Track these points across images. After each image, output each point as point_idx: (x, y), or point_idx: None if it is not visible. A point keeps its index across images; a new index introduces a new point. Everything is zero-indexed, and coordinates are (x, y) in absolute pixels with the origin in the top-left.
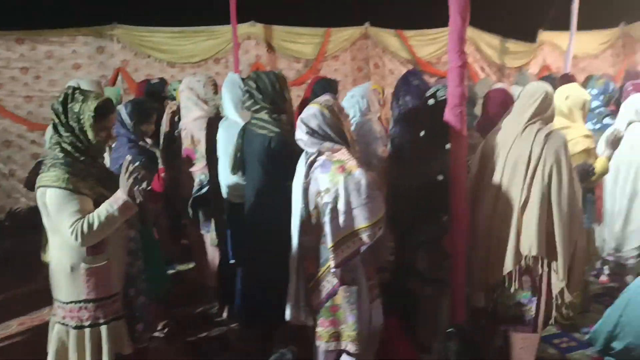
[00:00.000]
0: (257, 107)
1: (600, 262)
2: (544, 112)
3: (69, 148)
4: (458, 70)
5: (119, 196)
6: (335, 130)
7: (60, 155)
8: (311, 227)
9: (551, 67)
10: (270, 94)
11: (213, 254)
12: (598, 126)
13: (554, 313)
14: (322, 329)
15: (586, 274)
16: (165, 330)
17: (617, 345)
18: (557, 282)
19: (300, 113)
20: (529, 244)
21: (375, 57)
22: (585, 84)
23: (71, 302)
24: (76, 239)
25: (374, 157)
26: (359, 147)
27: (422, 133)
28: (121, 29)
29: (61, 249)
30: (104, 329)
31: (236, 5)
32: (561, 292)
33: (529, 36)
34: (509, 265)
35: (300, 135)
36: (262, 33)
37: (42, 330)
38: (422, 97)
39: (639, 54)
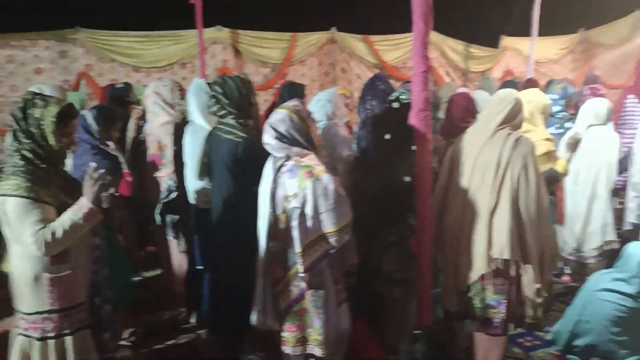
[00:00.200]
0: (224, 112)
1: (562, 262)
2: (513, 119)
3: (29, 155)
4: (422, 75)
5: (83, 203)
6: (303, 135)
7: (21, 162)
8: (278, 231)
9: (514, 71)
10: (236, 99)
11: (180, 260)
12: (561, 131)
13: (530, 313)
14: (289, 333)
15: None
16: (132, 338)
17: (579, 343)
18: (530, 284)
19: (267, 118)
20: (500, 247)
21: (342, 61)
22: (546, 88)
23: (34, 313)
24: (39, 248)
25: (339, 161)
26: (325, 152)
27: (387, 136)
28: (84, 32)
29: (23, 259)
30: (69, 340)
31: (202, 9)
32: (537, 293)
33: (492, 42)
34: (480, 268)
35: (268, 139)
36: (229, 37)
37: (2, 342)
38: (388, 100)
39: (597, 59)
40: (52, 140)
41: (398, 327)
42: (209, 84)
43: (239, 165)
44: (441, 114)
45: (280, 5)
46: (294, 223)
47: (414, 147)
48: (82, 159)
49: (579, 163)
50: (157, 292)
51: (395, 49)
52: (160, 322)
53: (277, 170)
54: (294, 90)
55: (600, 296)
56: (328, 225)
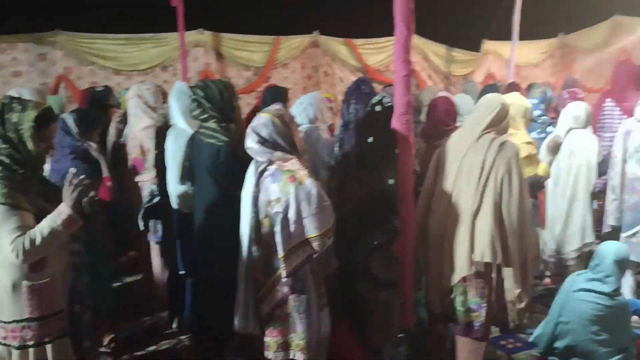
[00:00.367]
0: (206, 115)
1: (542, 264)
2: (499, 123)
3: (7, 160)
4: (404, 79)
5: (63, 210)
6: (286, 139)
7: None
8: (261, 236)
9: (495, 75)
10: (218, 102)
11: (162, 265)
12: (543, 135)
13: (513, 318)
14: (271, 338)
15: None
16: (112, 345)
17: (559, 344)
18: (511, 289)
19: (249, 121)
20: (482, 250)
21: (324, 65)
22: (528, 92)
23: (13, 322)
24: (17, 256)
25: (321, 165)
26: (307, 156)
27: (370, 139)
28: (63, 35)
29: (1, 266)
30: (49, 348)
31: (183, 12)
32: (518, 298)
33: (474, 46)
34: (462, 270)
35: (251, 144)
36: (211, 41)
37: None
38: (370, 104)
39: (576, 63)
40: (30, 145)
41: (382, 330)
42: (190, 87)
43: (221, 169)
44: (423, 117)
45: (262, 8)
46: (277, 228)
47: (396, 150)
48: (61, 164)
49: (559, 166)
50: (139, 298)
51: (378, 53)
52: (141, 328)
53: (260, 174)
54: (277, 94)
55: (577, 297)
56: (311, 230)
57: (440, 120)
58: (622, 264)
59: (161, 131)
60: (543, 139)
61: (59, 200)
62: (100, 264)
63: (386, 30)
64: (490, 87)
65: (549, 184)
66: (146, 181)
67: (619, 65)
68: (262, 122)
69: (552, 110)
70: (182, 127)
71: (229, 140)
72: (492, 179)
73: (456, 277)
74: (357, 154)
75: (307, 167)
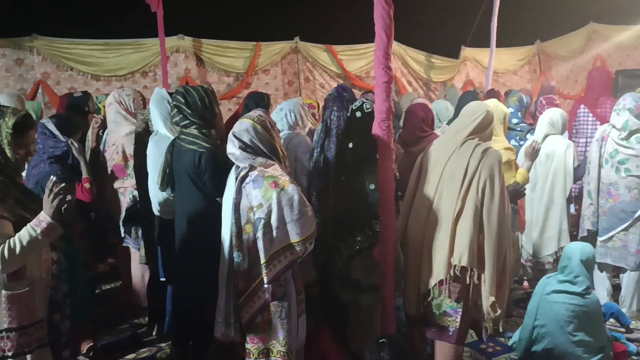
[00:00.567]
0: (186, 122)
1: (521, 269)
2: (483, 131)
3: None
4: (384, 86)
5: (43, 218)
6: (267, 145)
7: None
8: (242, 242)
9: (474, 81)
10: (199, 108)
11: (142, 272)
12: (521, 143)
13: (488, 324)
14: (252, 345)
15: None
16: (91, 353)
17: (537, 348)
18: (486, 296)
19: (230, 127)
20: (460, 253)
21: (305, 71)
22: (506, 98)
23: None
24: None
25: (302, 171)
26: (288, 162)
27: (350, 145)
28: (41, 40)
29: None
30: (28, 358)
31: (163, 17)
32: (492, 306)
33: (453, 52)
34: (439, 273)
35: (232, 149)
36: (191, 46)
37: None
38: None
39: (553, 70)
40: (8, 152)
41: (363, 335)
42: (171, 93)
43: (203, 175)
44: (402, 123)
45: (243, 14)
46: (259, 234)
47: (377, 156)
48: (39, 168)
49: (536, 171)
50: (118, 305)
51: (358, 59)
52: (120, 336)
53: (241, 180)
54: (260, 100)
55: (550, 299)
56: (293, 236)
57: (416, 127)
58: (589, 263)
59: (140, 137)
60: (522, 146)
61: (37, 208)
62: (78, 272)
63: (367, 36)
64: (469, 93)
65: (527, 188)
66: (128, 187)
67: (593, 73)
68: (244, 127)
69: (530, 116)
70: (163, 133)
71: (210, 147)
72: (475, 185)
73: (433, 280)
74: (338, 159)
75: (288, 173)
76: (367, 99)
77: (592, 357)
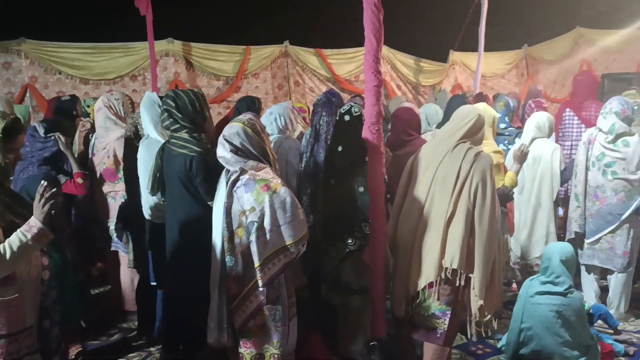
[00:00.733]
0: (177, 126)
1: (510, 271)
2: (474, 134)
3: None
4: (374, 90)
5: (34, 224)
6: (258, 148)
7: None
8: (234, 246)
9: (462, 85)
10: (190, 112)
11: (131, 276)
12: (510, 146)
13: (472, 329)
14: (245, 350)
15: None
16: (80, 358)
17: (525, 350)
18: (475, 299)
19: (219, 131)
20: (452, 256)
21: (295, 74)
22: (495, 102)
23: None
24: None
25: (292, 175)
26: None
27: (339, 148)
28: (29, 44)
29: None
30: None
31: (153, 21)
32: (480, 309)
33: (441, 56)
34: (430, 275)
35: (223, 153)
36: (181, 50)
37: None
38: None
39: (540, 74)
40: None
41: (353, 338)
42: (161, 97)
43: (194, 179)
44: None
45: (232, 18)
46: (252, 237)
47: (366, 159)
48: (28, 172)
49: (524, 174)
50: (106, 310)
51: (348, 63)
52: (109, 341)
53: (232, 184)
54: (251, 104)
55: (534, 301)
56: (286, 238)
57: (401, 131)
58: (569, 263)
59: (130, 141)
60: (510, 149)
61: (27, 214)
62: (67, 277)
63: (356, 40)
64: (458, 97)
65: (515, 191)
66: (119, 191)
67: (578, 77)
68: (234, 131)
69: (518, 120)
70: (154, 137)
71: (201, 151)
72: (467, 188)
73: (423, 282)
74: (327, 163)
75: (280, 176)
76: (355, 103)
77: (580, 358)
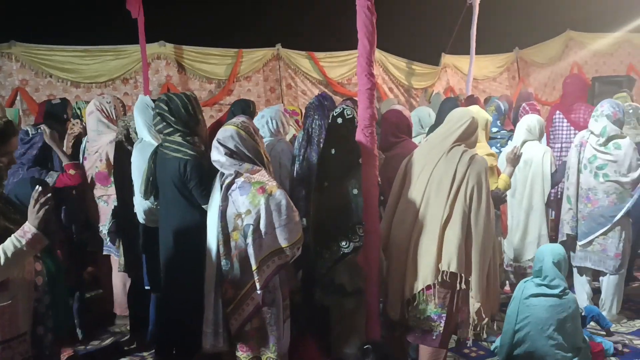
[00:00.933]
0: (170, 129)
1: (504, 273)
2: (469, 137)
3: None
4: (367, 93)
5: (28, 229)
6: (252, 151)
7: None
8: (229, 250)
9: (454, 88)
10: (183, 116)
11: (122, 280)
12: (502, 149)
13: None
14: (242, 353)
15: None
16: None
17: (518, 352)
18: (473, 302)
19: (212, 135)
20: (449, 259)
21: (287, 78)
22: (486, 105)
23: None
24: None
25: (286, 177)
26: (272, 168)
27: (332, 151)
28: (19, 47)
29: None
30: None
31: (144, 24)
32: (478, 312)
33: (433, 59)
34: (427, 278)
35: (218, 156)
36: (173, 53)
37: None
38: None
39: (531, 77)
40: None
41: (347, 340)
42: (154, 101)
43: (188, 183)
44: None
45: (224, 21)
46: (249, 240)
47: (359, 161)
48: (16, 176)
49: (516, 177)
50: (98, 313)
51: (340, 66)
52: (101, 345)
53: (227, 187)
54: (245, 107)
55: (529, 303)
56: (281, 241)
57: (389, 133)
58: (561, 264)
59: (121, 144)
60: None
61: (21, 219)
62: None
63: (348, 43)
64: (450, 100)
65: (507, 194)
66: (112, 195)
67: (567, 80)
68: (228, 134)
69: (510, 122)
70: (148, 141)
71: (195, 154)
72: (463, 191)
73: (420, 285)
74: (320, 165)
75: (274, 179)
76: (347, 105)
77: (572, 359)
